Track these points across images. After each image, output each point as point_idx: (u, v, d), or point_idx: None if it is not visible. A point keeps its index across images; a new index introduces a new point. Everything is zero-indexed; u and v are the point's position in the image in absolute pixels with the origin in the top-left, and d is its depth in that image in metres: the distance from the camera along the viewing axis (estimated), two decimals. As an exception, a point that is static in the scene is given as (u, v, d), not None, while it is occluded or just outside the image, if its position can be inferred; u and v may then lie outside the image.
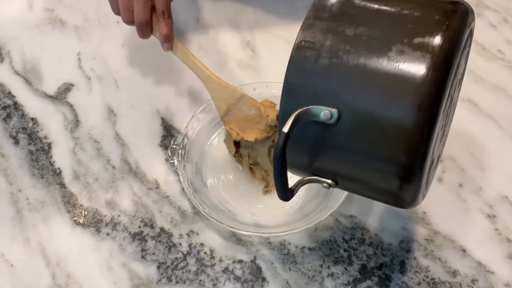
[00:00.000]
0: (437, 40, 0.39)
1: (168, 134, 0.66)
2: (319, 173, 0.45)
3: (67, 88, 0.70)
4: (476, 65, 0.70)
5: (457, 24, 0.40)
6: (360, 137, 0.41)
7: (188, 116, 0.63)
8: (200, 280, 0.56)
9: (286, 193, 0.44)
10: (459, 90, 0.51)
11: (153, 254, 0.58)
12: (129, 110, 0.68)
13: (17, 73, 0.72)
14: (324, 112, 0.40)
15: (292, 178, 0.45)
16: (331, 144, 0.42)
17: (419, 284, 0.55)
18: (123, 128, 0.67)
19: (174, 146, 0.61)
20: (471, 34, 0.44)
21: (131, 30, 0.74)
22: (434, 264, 0.56)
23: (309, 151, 0.44)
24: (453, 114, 0.52)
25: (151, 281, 0.56)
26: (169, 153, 0.60)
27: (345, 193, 0.56)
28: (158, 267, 0.57)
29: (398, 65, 0.39)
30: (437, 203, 0.60)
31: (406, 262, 0.57)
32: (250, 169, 0.61)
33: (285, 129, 0.40)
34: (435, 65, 0.38)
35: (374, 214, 0.59)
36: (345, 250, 0.57)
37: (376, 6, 0.42)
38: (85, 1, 0.78)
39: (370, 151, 0.41)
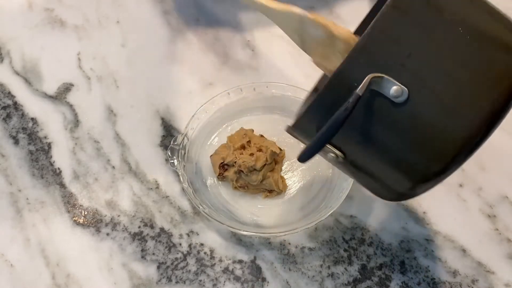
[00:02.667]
0: None
1: (168, 134, 0.66)
2: (336, 143, 0.42)
3: (67, 88, 0.70)
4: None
5: None
6: (416, 127, 0.39)
7: (188, 116, 0.63)
8: (200, 280, 0.56)
9: (311, 157, 0.41)
10: None
11: (153, 254, 0.58)
12: (129, 110, 0.68)
13: (17, 73, 0.72)
14: (396, 88, 0.37)
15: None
16: (382, 123, 0.39)
17: (419, 284, 0.55)
18: (123, 128, 0.67)
19: (174, 146, 0.61)
20: None
21: (131, 30, 0.74)
22: (434, 264, 0.56)
23: (350, 120, 0.40)
24: None
25: (151, 281, 0.56)
26: (169, 153, 0.60)
27: (345, 193, 0.56)
28: (158, 267, 0.57)
29: (488, 68, 0.38)
30: (437, 203, 0.60)
31: (406, 262, 0.57)
32: (236, 188, 0.60)
33: (360, 91, 0.37)
34: None
35: (374, 214, 0.59)
36: (345, 250, 0.57)
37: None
38: (85, 1, 0.78)
39: (416, 143, 0.39)
